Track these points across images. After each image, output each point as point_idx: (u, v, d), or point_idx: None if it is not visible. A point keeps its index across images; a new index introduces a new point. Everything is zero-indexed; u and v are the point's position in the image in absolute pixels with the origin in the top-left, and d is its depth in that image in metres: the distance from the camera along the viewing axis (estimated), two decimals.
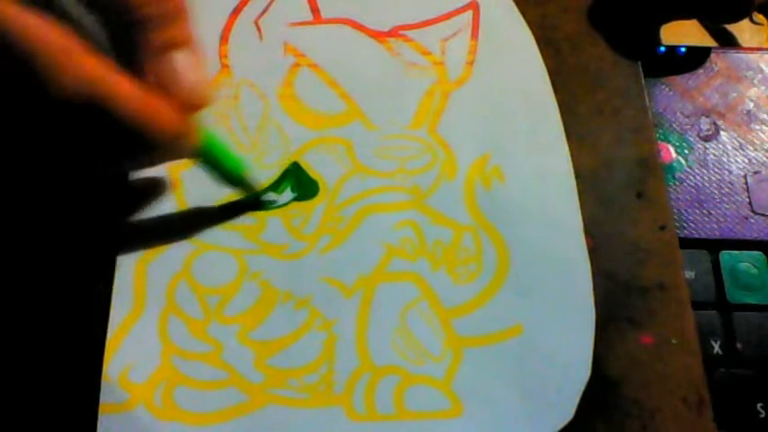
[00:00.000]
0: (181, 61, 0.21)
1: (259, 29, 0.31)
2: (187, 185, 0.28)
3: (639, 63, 0.31)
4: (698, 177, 0.31)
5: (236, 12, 0.31)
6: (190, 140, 0.22)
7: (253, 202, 0.28)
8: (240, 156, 0.26)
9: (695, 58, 0.33)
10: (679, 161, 0.31)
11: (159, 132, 0.20)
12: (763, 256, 0.29)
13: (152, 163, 0.25)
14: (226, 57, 0.30)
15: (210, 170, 0.25)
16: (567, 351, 0.26)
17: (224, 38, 0.31)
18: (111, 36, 0.20)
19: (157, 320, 0.26)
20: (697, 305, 0.28)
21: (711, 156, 0.31)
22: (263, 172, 0.28)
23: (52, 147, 0.21)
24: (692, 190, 0.30)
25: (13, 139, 0.21)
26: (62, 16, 0.19)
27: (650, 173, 0.29)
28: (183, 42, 0.21)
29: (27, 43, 0.18)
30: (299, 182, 0.28)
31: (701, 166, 0.31)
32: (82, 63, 0.18)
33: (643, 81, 0.31)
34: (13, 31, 0.17)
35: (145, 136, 0.20)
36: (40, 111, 0.19)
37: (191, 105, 0.22)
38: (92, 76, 0.19)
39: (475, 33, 0.31)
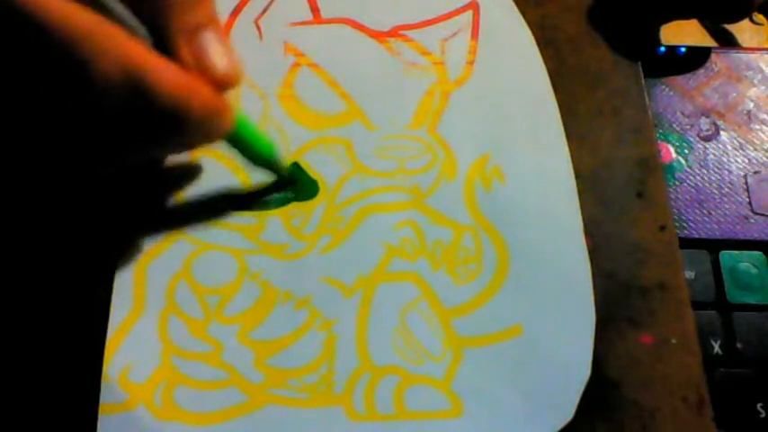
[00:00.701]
0: (211, 41, 0.21)
1: (259, 29, 0.31)
2: (187, 185, 0.28)
3: (639, 63, 0.31)
4: (698, 177, 0.31)
5: (236, 12, 0.31)
6: (225, 120, 0.22)
7: (253, 201, 0.28)
8: (269, 136, 0.26)
9: (695, 58, 0.33)
10: (679, 161, 0.31)
11: (197, 112, 0.20)
12: (763, 256, 0.29)
13: (183, 148, 0.25)
14: None
15: (240, 151, 0.25)
16: (567, 351, 0.26)
17: None
18: (141, 21, 0.20)
19: (157, 320, 0.26)
20: (697, 305, 0.28)
21: (711, 156, 0.31)
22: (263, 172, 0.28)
23: (61, 143, 0.21)
24: (692, 190, 0.30)
25: (16, 137, 0.21)
26: (94, 4, 0.19)
27: (650, 173, 0.29)
28: (210, 23, 0.21)
29: (65, 30, 0.18)
30: (299, 182, 0.28)
31: (701, 166, 0.31)
32: (119, 46, 0.18)
33: (643, 81, 0.31)
34: (49, 18, 0.17)
35: (182, 117, 0.20)
36: (64, 102, 0.19)
37: (224, 83, 0.22)
38: (130, 59, 0.19)
39: (475, 33, 0.31)
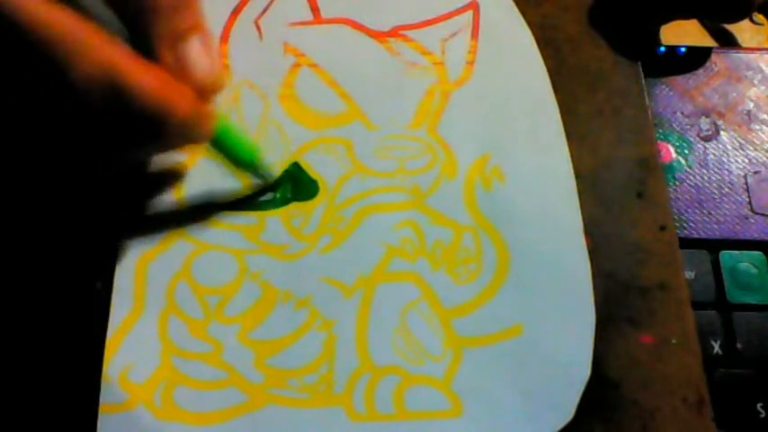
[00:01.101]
0: (194, 47, 0.21)
1: (259, 29, 0.31)
2: (187, 185, 0.28)
3: (639, 63, 0.31)
4: (698, 177, 0.31)
5: (236, 12, 0.31)
6: (206, 125, 0.22)
7: (253, 201, 0.28)
8: (252, 140, 0.26)
9: (695, 58, 0.33)
10: (679, 161, 0.31)
11: (177, 117, 0.20)
12: (763, 256, 0.29)
13: (165, 150, 0.25)
14: (226, 57, 0.30)
15: (223, 155, 0.25)
16: (567, 351, 0.26)
17: (224, 38, 0.31)
18: (124, 24, 0.20)
19: (157, 320, 0.26)
20: (697, 305, 0.28)
21: (711, 156, 0.31)
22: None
23: (58, 144, 0.21)
24: (692, 190, 0.30)
25: (15, 138, 0.21)
26: (76, 6, 0.19)
27: (650, 173, 0.29)
28: (194, 28, 0.21)
29: (46, 32, 0.18)
30: (299, 182, 0.28)
31: (701, 166, 0.31)
32: (100, 49, 0.19)
33: (643, 81, 0.31)
34: (31, 20, 0.18)
35: (162, 121, 0.20)
36: (55, 104, 0.19)
37: (206, 91, 0.22)
38: (110, 62, 0.19)
39: (475, 33, 0.31)
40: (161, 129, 0.20)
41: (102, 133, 0.20)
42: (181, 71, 0.21)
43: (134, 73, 0.19)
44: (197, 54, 0.21)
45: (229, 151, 0.25)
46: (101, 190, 0.28)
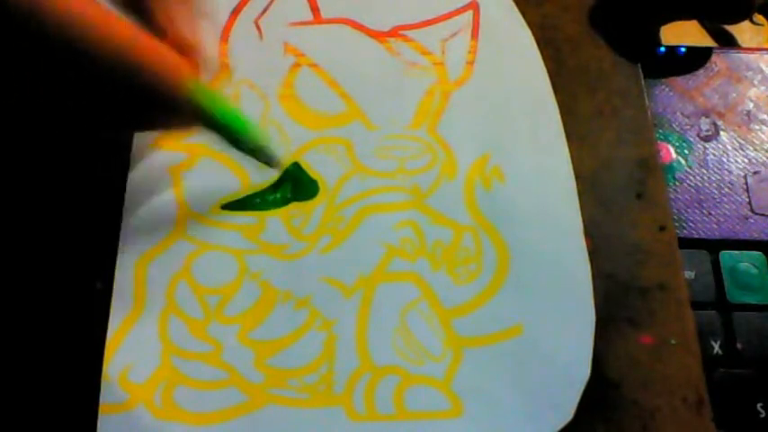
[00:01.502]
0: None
1: (259, 29, 0.31)
2: (187, 185, 0.28)
3: (639, 63, 0.31)
4: (698, 177, 0.31)
5: (236, 12, 0.31)
6: (189, 83, 0.23)
7: (253, 201, 0.28)
8: (254, 122, 0.25)
9: (695, 59, 0.33)
10: (679, 161, 0.31)
11: (173, 84, 0.21)
12: (763, 256, 0.29)
13: (167, 125, 0.25)
14: (226, 57, 0.30)
15: (224, 136, 0.24)
16: (567, 351, 0.26)
17: (224, 38, 0.31)
18: None
19: (157, 320, 0.26)
20: (697, 305, 0.28)
21: (711, 156, 0.31)
22: (263, 172, 0.28)
23: (58, 144, 0.21)
24: (692, 190, 0.30)
25: (15, 138, 0.21)
26: None
27: (650, 173, 0.29)
28: None
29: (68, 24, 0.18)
30: (299, 182, 0.28)
31: (701, 166, 0.31)
32: (117, 27, 0.19)
33: (643, 81, 0.31)
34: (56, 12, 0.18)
35: (162, 90, 0.21)
36: (56, 102, 0.19)
37: (189, 48, 0.22)
38: (126, 38, 0.19)
39: (475, 33, 0.31)
40: (160, 96, 0.21)
41: (109, 112, 0.21)
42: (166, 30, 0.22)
43: (143, 44, 0.20)
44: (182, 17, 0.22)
45: (233, 132, 0.24)
46: (101, 190, 0.28)
